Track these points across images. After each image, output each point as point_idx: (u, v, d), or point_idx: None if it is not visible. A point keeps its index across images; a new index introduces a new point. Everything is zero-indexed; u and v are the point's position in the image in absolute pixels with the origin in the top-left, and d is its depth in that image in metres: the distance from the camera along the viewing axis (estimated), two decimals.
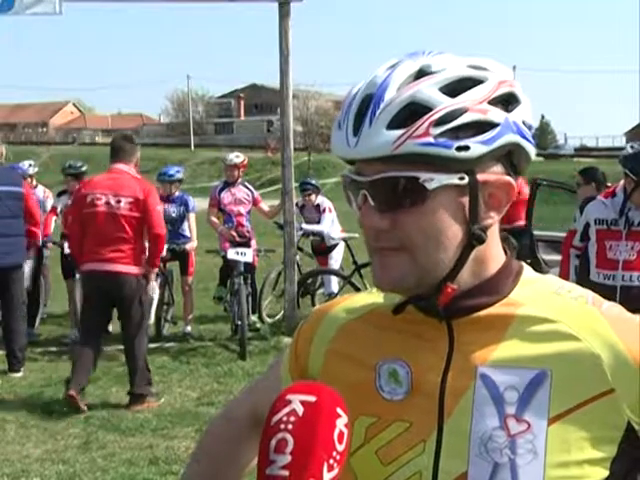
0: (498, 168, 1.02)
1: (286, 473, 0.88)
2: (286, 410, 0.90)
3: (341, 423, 0.91)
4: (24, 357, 7.06)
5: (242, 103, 74.50)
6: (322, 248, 9.27)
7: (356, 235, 9.45)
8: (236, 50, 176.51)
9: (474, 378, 1.02)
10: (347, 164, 1.06)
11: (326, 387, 0.94)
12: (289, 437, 0.88)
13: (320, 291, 9.23)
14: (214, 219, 8.50)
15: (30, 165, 9.54)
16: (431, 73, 0.99)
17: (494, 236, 1.06)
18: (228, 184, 8.60)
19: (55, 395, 6.26)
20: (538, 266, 7.09)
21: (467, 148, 0.97)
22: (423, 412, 1.03)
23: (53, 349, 7.95)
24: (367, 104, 0.99)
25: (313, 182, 9.35)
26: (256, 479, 0.90)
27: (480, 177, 1.00)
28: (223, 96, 78.36)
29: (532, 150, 1.04)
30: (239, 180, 8.62)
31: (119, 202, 5.93)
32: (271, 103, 63.45)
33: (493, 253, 1.06)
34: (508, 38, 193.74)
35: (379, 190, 0.99)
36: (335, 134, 1.03)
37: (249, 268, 8.11)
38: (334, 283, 8.81)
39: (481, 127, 0.98)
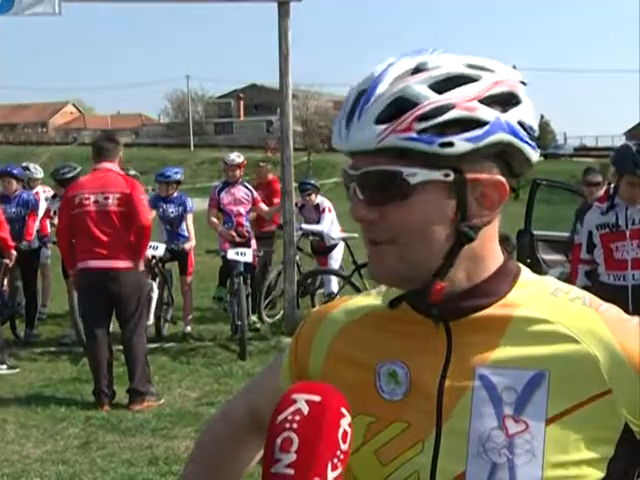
0: (492, 168, 1.02)
1: (291, 472, 0.88)
2: (291, 409, 0.91)
3: (345, 423, 0.92)
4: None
5: (242, 103, 74.39)
6: (322, 248, 9.27)
7: (356, 235, 9.44)
8: (236, 50, 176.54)
9: (473, 379, 1.02)
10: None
11: (331, 387, 0.95)
12: (294, 436, 0.89)
13: (320, 291, 9.22)
14: (214, 219, 8.50)
15: (35, 168, 9.58)
16: (426, 70, 1.00)
17: (490, 235, 1.06)
18: (228, 184, 8.60)
19: (55, 395, 6.26)
20: (538, 266, 7.10)
21: (451, 144, 0.97)
22: (422, 412, 1.03)
23: (53, 349, 7.96)
24: (359, 99, 1.01)
25: (312, 182, 9.34)
26: (261, 477, 0.91)
27: (470, 175, 1.00)
28: (223, 96, 78.30)
29: (531, 152, 1.03)
30: (239, 180, 8.64)
31: (107, 199, 5.96)
32: (271, 103, 63.36)
33: (489, 253, 1.06)
34: (508, 37, 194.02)
35: (366, 183, 1.01)
36: (334, 127, 1.05)
37: (249, 268, 8.12)
38: (334, 283, 8.80)
39: (468, 124, 0.98)
